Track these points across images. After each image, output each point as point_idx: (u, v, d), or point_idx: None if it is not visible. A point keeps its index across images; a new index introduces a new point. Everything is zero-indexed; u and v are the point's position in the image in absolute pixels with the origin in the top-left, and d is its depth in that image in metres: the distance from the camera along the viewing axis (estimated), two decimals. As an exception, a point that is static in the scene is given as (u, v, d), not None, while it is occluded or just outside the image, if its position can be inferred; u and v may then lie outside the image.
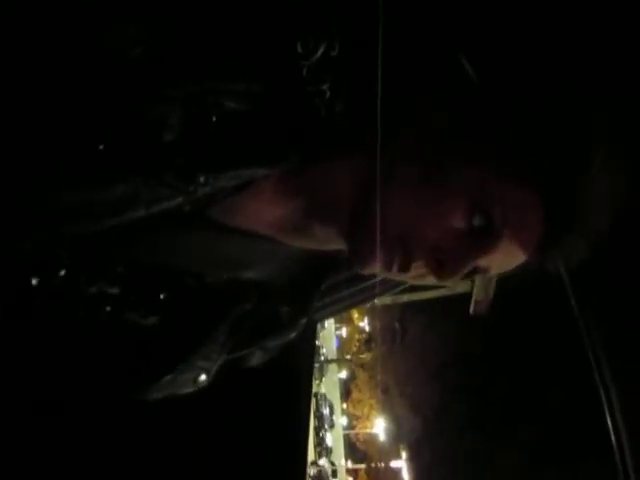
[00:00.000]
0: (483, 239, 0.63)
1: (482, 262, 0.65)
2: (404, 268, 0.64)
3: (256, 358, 0.80)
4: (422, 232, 0.62)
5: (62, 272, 0.61)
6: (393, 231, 0.62)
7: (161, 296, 0.67)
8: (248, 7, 0.59)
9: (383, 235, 0.61)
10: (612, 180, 0.62)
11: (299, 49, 0.60)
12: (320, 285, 0.81)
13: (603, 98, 0.64)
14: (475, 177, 0.62)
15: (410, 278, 0.69)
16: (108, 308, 0.65)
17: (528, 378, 10.47)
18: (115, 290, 0.64)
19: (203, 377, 0.73)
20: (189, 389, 0.73)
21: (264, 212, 0.68)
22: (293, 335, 0.79)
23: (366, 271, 0.67)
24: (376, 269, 0.65)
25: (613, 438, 0.85)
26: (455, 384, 13.18)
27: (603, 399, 0.88)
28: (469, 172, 0.62)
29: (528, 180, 0.62)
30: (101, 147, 0.54)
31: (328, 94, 0.62)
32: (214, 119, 0.58)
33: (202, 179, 0.57)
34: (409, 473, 18.58)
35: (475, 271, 0.66)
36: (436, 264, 0.63)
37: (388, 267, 0.64)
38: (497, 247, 0.63)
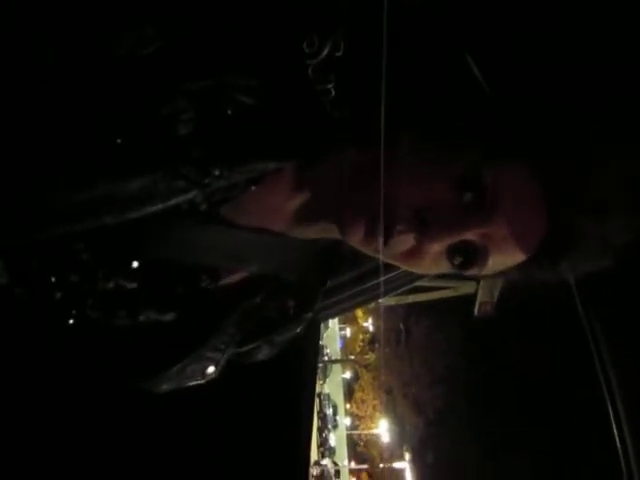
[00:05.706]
0: (475, 210, 0.61)
1: (475, 237, 0.62)
2: (387, 233, 0.61)
3: (263, 353, 0.80)
4: (406, 196, 0.61)
5: (80, 268, 0.62)
6: (377, 197, 0.60)
7: (176, 291, 0.68)
8: (256, 7, 0.60)
9: (367, 202, 0.60)
10: (614, 170, 0.60)
11: (305, 49, 0.61)
12: (325, 280, 0.82)
13: (604, 84, 0.63)
14: (472, 151, 0.61)
15: (400, 258, 0.65)
16: (125, 304, 0.66)
17: (533, 381, 10.46)
18: (132, 285, 0.65)
19: (211, 369, 0.74)
20: (197, 381, 0.74)
21: (274, 206, 0.69)
22: (299, 330, 0.80)
23: (351, 240, 0.65)
24: (360, 238, 0.63)
25: (618, 443, 0.85)
26: (459, 385, 13.19)
27: (608, 404, 0.88)
28: (466, 147, 0.62)
29: (528, 161, 0.60)
30: (119, 141, 0.55)
31: (333, 93, 0.63)
32: (229, 113, 0.59)
33: (217, 172, 0.59)
34: (412, 474, 18.59)
35: (470, 249, 0.63)
36: (419, 223, 0.61)
37: (370, 233, 0.62)
38: (490, 221, 0.61)
